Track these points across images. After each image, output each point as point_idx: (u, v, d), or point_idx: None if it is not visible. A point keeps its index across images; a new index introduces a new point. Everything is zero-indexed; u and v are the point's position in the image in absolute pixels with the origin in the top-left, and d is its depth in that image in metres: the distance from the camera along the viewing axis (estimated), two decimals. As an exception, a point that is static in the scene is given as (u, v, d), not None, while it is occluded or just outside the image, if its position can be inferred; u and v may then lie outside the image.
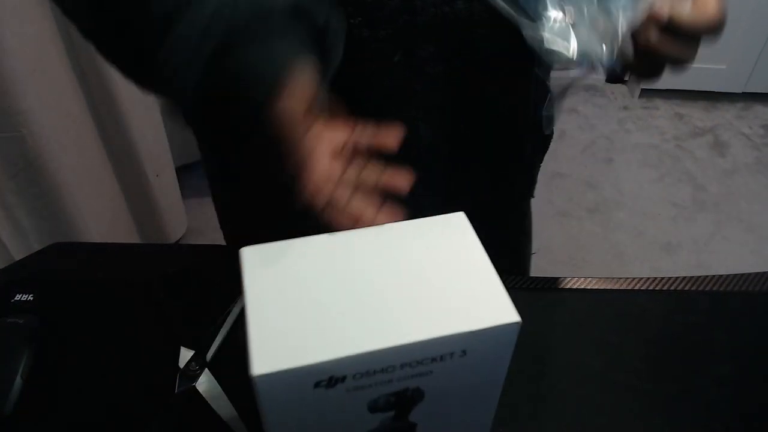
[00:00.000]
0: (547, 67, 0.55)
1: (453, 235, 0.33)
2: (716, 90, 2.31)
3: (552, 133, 0.64)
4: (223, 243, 0.74)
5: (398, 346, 0.28)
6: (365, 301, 0.30)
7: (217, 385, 0.48)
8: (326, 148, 0.37)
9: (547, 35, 0.39)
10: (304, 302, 0.29)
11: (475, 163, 0.59)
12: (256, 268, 0.31)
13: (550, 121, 0.54)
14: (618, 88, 2.44)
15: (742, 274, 0.58)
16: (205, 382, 0.48)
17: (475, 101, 0.54)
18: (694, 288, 0.57)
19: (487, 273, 0.31)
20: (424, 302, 0.30)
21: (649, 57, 0.41)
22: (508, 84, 0.55)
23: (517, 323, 0.29)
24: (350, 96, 0.41)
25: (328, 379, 0.28)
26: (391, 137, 0.38)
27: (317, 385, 0.28)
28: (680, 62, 0.42)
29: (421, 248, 0.33)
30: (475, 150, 0.58)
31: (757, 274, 0.58)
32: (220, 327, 0.52)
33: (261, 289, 0.30)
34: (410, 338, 0.28)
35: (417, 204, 0.37)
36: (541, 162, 0.68)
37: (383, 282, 0.31)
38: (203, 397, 0.47)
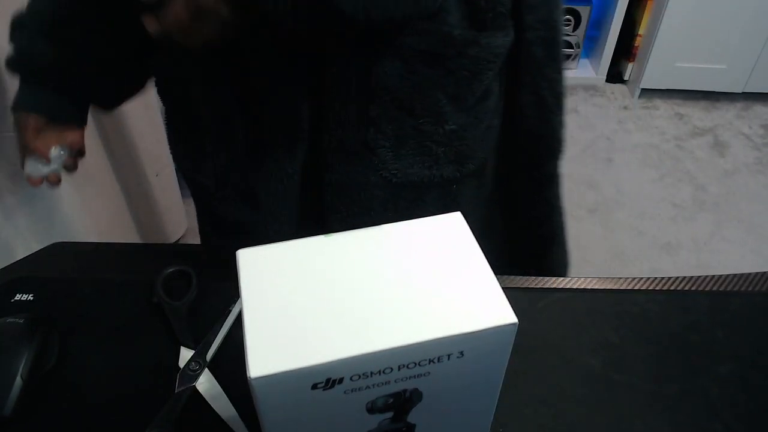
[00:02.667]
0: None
1: (449, 236, 0.33)
2: (716, 90, 2.31)
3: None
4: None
5: (395, 348, 0.28)
6: (362, 302, 0.30)
7: (217, 384, 0.48)
8: None
9: None
10: (301, 304, 0.29)
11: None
12: (253, 270, 0.31)
13: None
14: (618, 87, 2.44)
15: (742, 274, 0.58)
16: (205, 382, 0.48)
17: None
18: (693, 288, 0.57)
19: (484, 274, 0.31)
20: (421, 304, 0.30)
21: None
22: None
23: (514, 324, 0.29)
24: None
25: (326, 381, 0.28)
26: None
27: (314, 387, 0.28)
28: None
29: (418, 249, 0.33)
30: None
31: (756, 274, 0.58)
32: (220, 327, 0.52)
33: (257, 292, 0.30)
34: (407, 340, 0.28)
35: None
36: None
37: (380, 283, 0.31)
38: (203, 397, 0.47)
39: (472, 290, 0.30)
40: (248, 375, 0.26)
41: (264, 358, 0.27)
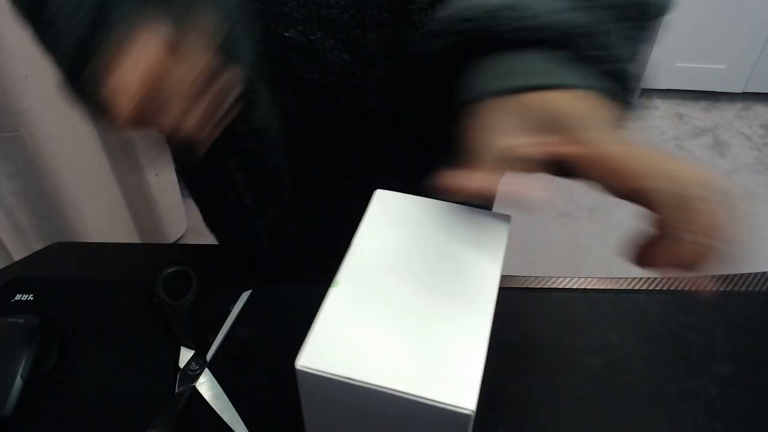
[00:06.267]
0: None
1: (480, 244, 0.33)
2: (716, 90, 2.31)
3: None
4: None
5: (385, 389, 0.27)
6: (404, 327, 0.29)
7: (217, 384, 0.48)
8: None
9: None
10: (378, 311, 0.29)
11: None
12: (378, 215, 0.33)
13: None
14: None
15: (742, 274, 0.58)
16: (205, 382, 0.48)
17: None
18: (694, 288, 0.57)
19: (476, 338, 0.29)
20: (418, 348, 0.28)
21: None
22: None
23: (470, 413, 0.25)
24: None
25: None
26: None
27: None
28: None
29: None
30: None
31: (756, 274, 0.58)
32: (220, 327, 0.52)
33: (353, 277, 0.30)
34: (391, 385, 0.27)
35: None
36: None
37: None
38: (203, 397, 0.47)
39: (456, 343, 0.28)
40: (296, 361, 0.26)
41: (317, 353, 0.27)
